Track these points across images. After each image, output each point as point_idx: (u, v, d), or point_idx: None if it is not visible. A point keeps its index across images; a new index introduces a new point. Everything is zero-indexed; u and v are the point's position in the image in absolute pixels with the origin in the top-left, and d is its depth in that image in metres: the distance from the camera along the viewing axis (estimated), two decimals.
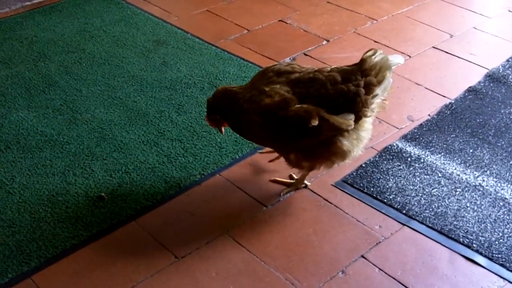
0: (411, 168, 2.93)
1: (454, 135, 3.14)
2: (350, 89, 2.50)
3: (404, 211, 2.71)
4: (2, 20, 4.22)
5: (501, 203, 2.75)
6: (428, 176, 2.89)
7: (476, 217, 2.68)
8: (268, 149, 2.96)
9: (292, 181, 2.88)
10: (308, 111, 2.46)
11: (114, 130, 3.18)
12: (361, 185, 2.84)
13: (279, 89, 2.51)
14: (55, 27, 4.13)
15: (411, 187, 2.83)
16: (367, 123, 2.62)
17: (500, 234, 2.60)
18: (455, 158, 2.99)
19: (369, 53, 2.55)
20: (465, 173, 2.90)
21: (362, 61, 2.55)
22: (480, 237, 2.58)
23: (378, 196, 2.79)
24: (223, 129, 2.77)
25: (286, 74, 2.57)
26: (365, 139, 2.63)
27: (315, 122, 2.45)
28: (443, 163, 2.96)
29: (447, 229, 2.62)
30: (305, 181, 2.87)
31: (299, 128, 2.48)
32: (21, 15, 4.29)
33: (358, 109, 2.52)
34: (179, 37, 3.99)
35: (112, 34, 4.05)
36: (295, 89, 2.51)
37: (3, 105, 3.37)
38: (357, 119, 2.54)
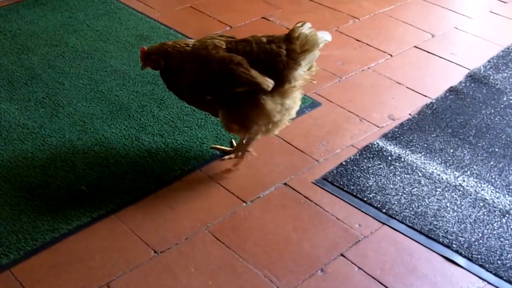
0: (391, 167, 2.95)
1: (434, 135, 3.16)
2: (272, 47, 2.69)
3: (384, 210, 2.72)
4: None
5: (481, 204, 2.76)
6: (408, 176, 2.90)
7: (456, 217, 2.69)
8: (219, 146, 3.06)
9: (231, 148, 3.01)
10: (232, 56, 2.69)
11: (95, 124, 3.17)
12: (341, 183, 2.85)
13: (217, 42, 2.75)
14: (38, 20, 4.12)
15: (391, 186, 2.84)
16: (293, 93, 2.76)
17: (480, 234, 2.62)
18: (435, 158, 3.01)
19: (298, 24, 2.71)
20: (445, 173, 2.92)
21: (291, 30, 2.71)
22: (460, 238, 2.60)
23: (358, 195, 2.80)
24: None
25: (225, 37, 2.83)
26: (290, 108, 2.78)
27: (236, 60, 2.66)
28: (424, 162, 2.98)
29: (427, 228, 2.64)
30: (250, 149, 2.95)
31: (222, 72, 2.68)
32: (5, 8, 4.27)
33: (279, 69, 2.68)
34: (162, 33, 3.99)
35: (95, 29, 4.04)
36: (228, 45, 2.75)
37: None
38: (281, 83, 2.70)
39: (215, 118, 3.19)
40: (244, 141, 2.95)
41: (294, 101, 2.78)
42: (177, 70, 2.75)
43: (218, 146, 3.04)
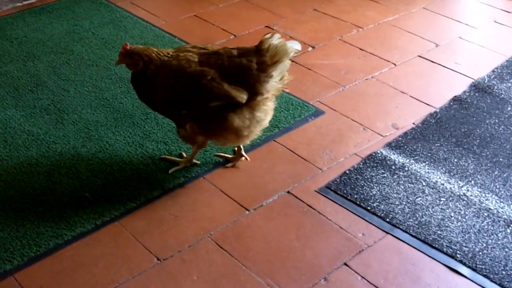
0: (395, 176, 2.95)
1: (438, 144, 3.16)
2: (243, 62, 2.70)
3: (387, 219, 2.72)
4: None
5: (485, 214, 2.76)
6: (412, 185, 2.90)
7: (460, 227, 2.69)
8: (222, 154, 3.07)
9: (180, 159, 3.00)
10: (205, 70, 2.69)
11: (100, 131, 3.18)
12: (345, 192, 2.86)
13: (189, 56, 2.75)
14: (44, 28, 4.13)
15: (395, 195, 2.84)
16: (265, 104, 2.77)
17: (484, 244, 2.61)
18: (439, 167, 3.00)
19: (267, 36, 2.72)
20: (449, 183, 2.92)
21: (259, 42, 2.72)
22: (464, 248, 2.60)
23: (361, 204, 2.80)
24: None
25: (198, 48, 2.82)
26: (262, 120, 2.81)
27: (209, 76, 2.67)
28: (428, 172, 2.98)
29: (430, 238, 2.63)
30: (194, 160, 2.98)
31: (195, 87, 2.69)
32: (12, 15, 4.29)
33: (250, 82, 2.69)
34: (167, 41, 4.00)
35: (100, 36, 4.05)
36: (200, 58, 2.75)
37: None
38: (253, 96, 2.71)
39: None
40: (194, 150, 2.97)
41: (266, 112, 2.80)
42: (151, 79, 2.75)
43: (168, 157, 3.03)
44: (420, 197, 2.83)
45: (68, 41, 3.99)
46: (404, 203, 2.80)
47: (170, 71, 2.72)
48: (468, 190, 2.88)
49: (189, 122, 2.76)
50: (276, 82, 2.75)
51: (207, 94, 2.69)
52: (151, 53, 2.76)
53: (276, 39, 2.70)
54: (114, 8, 4.40)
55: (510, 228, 2.69)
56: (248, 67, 2.69)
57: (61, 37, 4.04)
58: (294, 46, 2.75)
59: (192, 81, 2.69)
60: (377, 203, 2.79)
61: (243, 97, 2.69)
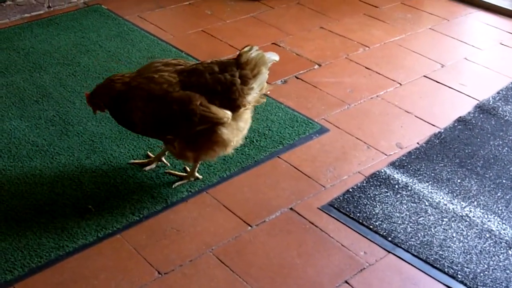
0: (398, 196, 2.95)
1: (442, 164, 3.16)
2: (227, 78, 2.72)
3: (389, 238, 2.72)
4: (1, 30, 4.24)
5: (487, 235, 2.76)
6: (415, 204, 2.90)
7: (462, 248, 2.69)
8: (138, 160, 3.08)
9: (185, 174, 3.01)
10: (191, 96, 2.68)
11: (104, 144, 3.19)
12: (348, 209, 2.85)
13: (167, 76, 2.71)
14: (52, 39, 4.15)
15: (398, 214, 2.84)
16: (246, 114, 2.84)
17: (486, 266, 2.61)
18: (442, 188, 3.00)
19: (246, 49, 2.75)
20: (452, 203, 2.92)
21: (239, 55, 2.75)
22: (465, 268, 2.59)
23: (364, 222, 2.80)
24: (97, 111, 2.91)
25: (172, 66, 2.79)
26: (244, 129, 2.86)
27: (197, 101, 2.66)
28: (431, 191, 2.98)
29: (432, 258, 2.63)
30: (197, 174, 2.98)
31: (181, 112, 2.68)
32: (20, 26, 4.31)
33: (235, 97, 2.72)
34: (174, 55, 4.01)
35: (107, 49, 4.07)
36: (180, 77, 2.72)
37: None
38: (236, 109, 2.75)
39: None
40: (194, 164, 2.97)
41: (246, 121, 2.86)
42: (125, 105, 2.73)
43: (172, 171, 3.03)
44: (422, 216, 2.83)
45: (75, 53, 4.01)
46: (407, 222, 2.80)
47: (151, 95, 2.69)
48: (470, 211, 2.88)
49: (176, 140, 2.78)
50: (256, 94, 2.80)
51: (196, 120, 2.69)
52: (113, 86, 2.75)
53: (254, 52, 2.74)
54: (121, 22, 4.42)
55: (511, 249, 2.69)
56: (232, 83, 2.72)
57: (68, 49, 4.05)
58: (272, 57, 2.81)
59: (180, 107, 2.68)
60: (380, 222, 2.79)
61: (228, 117, 2.73)
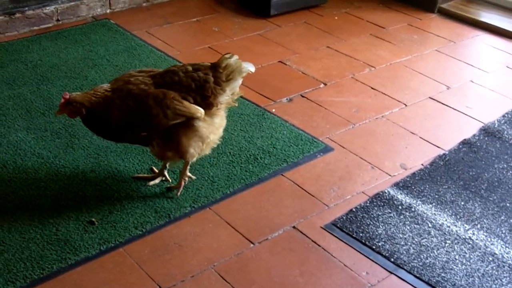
0: (401, 216, 2.94)
1: (446, 186, 3.16)
2: (200, 75, 2.84)
3: (392, 259, 2.71)
4: (9, 42, 4.26)
5: (490, 258, 2.75)
6: (418, 226, 2.90)
7: (465, 271, 2.68)
8: (143, 174, 3.12)
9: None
10: (165, 91, 2.78)
11: (109, 157, 3.20)
12: (351, 229, 2.85)
13: (142, 79, 2.83)
14: (60, 53, 4.18)
15: (401, 235, 2.84)
16: (219, 112, 2.92)
17: None
18: (446, 210, 3.00)
19: (227, 56, 2.88)
20: (455, 225, 2.91)
21: (219, 60, 2.88)
22: None
23: (367, 242, 2.79)
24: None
25: (145, 72, 2.91)
26: (220, 126, 2.95)
27: (170, 94, 2.76)
28: (434, 213, 2.98)
29: (434, 280, 2.62)
30: (189, 174, 3.05)
31: (156, 106, 2.75)
32: (28, 39, 4.34)
33: (208, 94, 2.82)
34: None
35: (115, 64, 4.09)
36: (154, 80, 2.84)
37: (3, 124, 3.40)
38: (209, 106, 2.85)
39: (227, 157, 3.21)
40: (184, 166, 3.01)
41: (222, 119, 2.95)
42: (103, 114, 2.78)
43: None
44: (425, 238, 2.83)
45: (83, 66, 4.03)
46: (409, 243, 2.79)
47: (128, 94, 2.78)
48: (473, 233, 2.87)
49: (155, 139, 2.83)
50: (228, 97, 2.91)
51: (170, 114, 2.76)
52: (90, 97, 2.78)
53: (234, 59, 2.87)
54: (129, 36, 4.45)
55: None
56: (205, 80, 2.83)
57: (76, 62, 4.08)
58: (249, 67, 2.93)
59: (155, 102, 2.76)
60: (382, 243, 2.79)
61: (202, 112, 2.80)
